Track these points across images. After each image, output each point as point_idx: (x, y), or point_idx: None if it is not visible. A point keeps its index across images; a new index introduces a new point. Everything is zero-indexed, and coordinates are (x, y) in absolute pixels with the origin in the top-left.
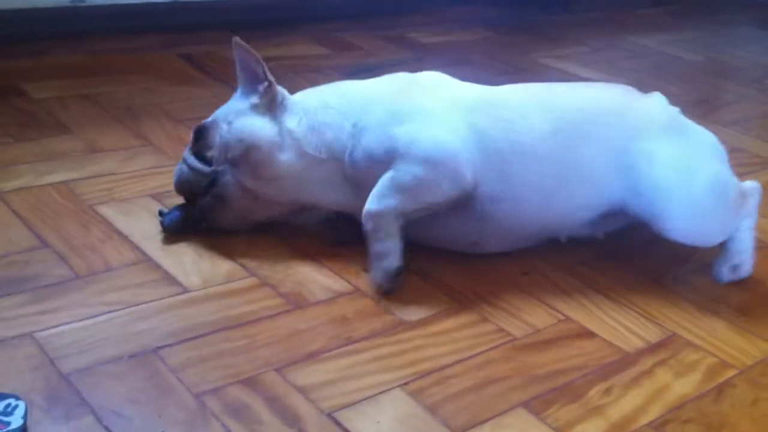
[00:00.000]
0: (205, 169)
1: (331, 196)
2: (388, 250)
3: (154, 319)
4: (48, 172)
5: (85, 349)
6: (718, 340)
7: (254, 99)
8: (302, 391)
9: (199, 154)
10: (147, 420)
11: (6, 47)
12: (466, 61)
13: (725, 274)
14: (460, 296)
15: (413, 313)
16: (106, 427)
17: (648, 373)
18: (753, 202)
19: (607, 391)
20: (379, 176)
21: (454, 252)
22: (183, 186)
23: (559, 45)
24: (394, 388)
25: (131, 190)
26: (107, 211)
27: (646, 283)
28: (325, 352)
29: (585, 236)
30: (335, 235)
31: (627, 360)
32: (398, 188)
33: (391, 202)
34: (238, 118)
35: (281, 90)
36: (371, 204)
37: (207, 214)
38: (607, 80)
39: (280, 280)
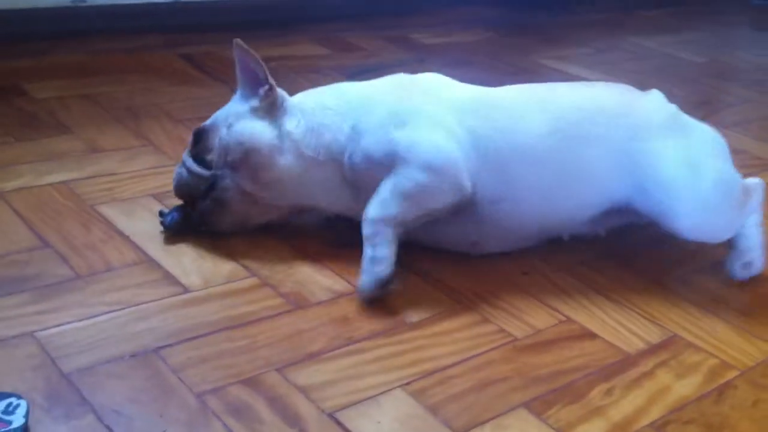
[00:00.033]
0: (205, 172)
1: (329, 199)
2: (383, 257)
3: (155, 319)
4: (48, 172)
5: (86, 349)
6: (719, 341)
7: (254, 102)
8: (303, 391)
9: (198, 158)
10: (148, 419)
11: (7, 47)
12: (468, 62)
13: (738, 271)
14: (460, 297)
15: (414, 314)
16: (107, 427)
17: (649, 374)
18: (757, 199)
19: (608, 392)
20: (379, 179)
21: (455, 252)
22: (182, 189)
23: (561, 46)
24: (395, 388)
25: (132, 190)
26: (108, 211)
27: (647, 284)
28: (326, 353)
29: (586, 234)
30: (335, 235)
31: (628, 361)
32: (400, 195)
33: (393, 209)
34: (238, 121)
35: (281, 92)
36: (372, 210)
37: (206, 217)
38: (608, 81)
39: (281, 280)
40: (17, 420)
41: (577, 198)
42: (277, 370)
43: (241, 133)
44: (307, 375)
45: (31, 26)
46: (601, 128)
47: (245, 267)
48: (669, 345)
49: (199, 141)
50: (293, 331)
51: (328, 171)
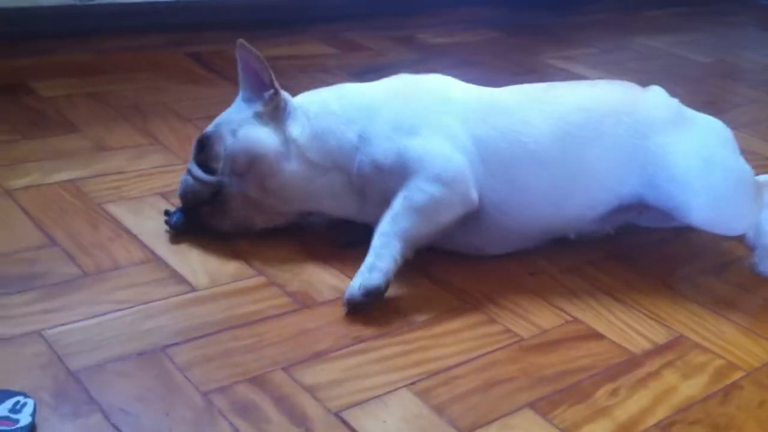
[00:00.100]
0: (211, 179)
1: (335, 205)
2: (382, 269)
3: (162, 317)
4: (56, 170)
5: (93, 347)
6: (726, 342)
7: (258, 107)
8: (309, 390)
9: (203, 165)
10: (154, 418)
11: (15, 45)
12: (474, 62)
13: (766, 268)
14: (466, 297)
15: (420, 314)
16: (113, 425)
17: (655, 374)
18: None
19: (614, 392)
20: (387, 187)
21: (460, 253)
22: (188, 196)
23: (567, 46)
24: (400, 388)
25: (139, 188)
26: (115, 209)
27: (653, 285)
28: (333, 352)
29: (595, 232)
30: (342, 235)
31: (634, 361)
32: (412, 209)
33: (405, 223)
34: (242, 127)
35: (284, 95)
36: (384, 224)
37: (209, 221)
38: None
39: (288, 279)
40: (24, 418)
41: (584, 198)
42: (284, 369)
43: (246, 140)
44: (313, 374)
45: (38, 25)
46: (606, 127)
47: (252, 266)
48: (675, 345)
49: (204, 148)
50: (300, 331)
51: (334, 177)
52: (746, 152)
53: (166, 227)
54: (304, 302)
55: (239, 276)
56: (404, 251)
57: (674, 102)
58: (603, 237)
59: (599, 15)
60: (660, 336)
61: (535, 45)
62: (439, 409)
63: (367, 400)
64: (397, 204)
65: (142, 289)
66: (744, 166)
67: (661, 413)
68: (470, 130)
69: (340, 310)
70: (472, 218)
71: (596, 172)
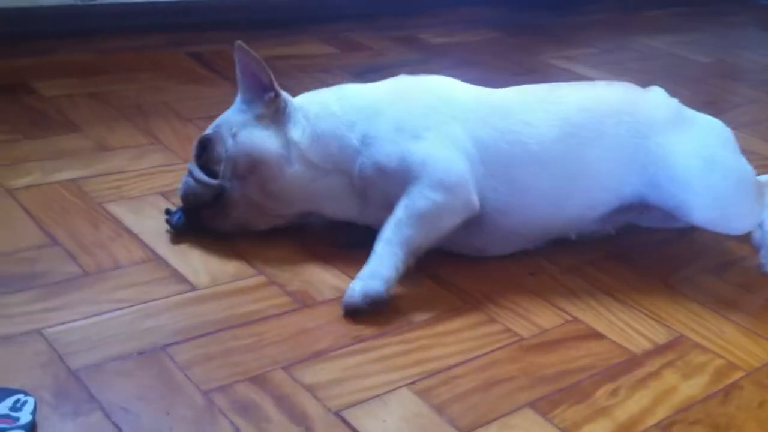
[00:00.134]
0: (213, 182)
1: (337, 207)
2: (383, 276)
3: (163, 316)
4: (57, 170)
5: (93, 346)
6: (726, 342)
7: (258, 109)
8: (309, 389)
9: (204, 167)
10: (155, 417)
11: (17, 45)
12: (475, 62)
13: None
14: (467, 296)
15: (420, 313)
16: (114, 424)
17: (655, 374)
18: None
19: (614, 392)
20: (389, 190)
21: (461, 254)
22: (189, 198)
23: (568, 46)
24: (400, 387)
25: (140, 188)
26: (116, 208)
27: (653, 285)
28: (333, 351)
29: (596, 232)
30: (343, 235)
31: (634, 361)
32: (415, 215)
33: (408, 230)
34: (243, 130)
35: (284, 96)
36: (388, 231)
37: (210, 223)
38: (613, 81)
39: (288, 278)
40: (24, 417)
41: (586, 199)
42: (284, 368)
43: (247, 143)
44: (313, 373)
45: (40, 25)
46: (607, 127)
47: (252, 265)
48: (675, 345)
49: (205, 150)
50: (300, 330)
51: (335, 180)
52: (746, 152)
53: (167, 227)
54: (304, 302)
55: (239, 275)
56: (406, 259)
57: (674, 102)
58: (603, 237)
59: (599, 15)
60: (660, 336)
61: (536, 45)
62: (439, 409)
63: (367, 400)
64: (400, 211)
65: (143, 288)
66: (745, 166)
67: (661, 413)
68: (471, 132)
69: (340, 310)
70: (473, 220)
71: (597, 172)
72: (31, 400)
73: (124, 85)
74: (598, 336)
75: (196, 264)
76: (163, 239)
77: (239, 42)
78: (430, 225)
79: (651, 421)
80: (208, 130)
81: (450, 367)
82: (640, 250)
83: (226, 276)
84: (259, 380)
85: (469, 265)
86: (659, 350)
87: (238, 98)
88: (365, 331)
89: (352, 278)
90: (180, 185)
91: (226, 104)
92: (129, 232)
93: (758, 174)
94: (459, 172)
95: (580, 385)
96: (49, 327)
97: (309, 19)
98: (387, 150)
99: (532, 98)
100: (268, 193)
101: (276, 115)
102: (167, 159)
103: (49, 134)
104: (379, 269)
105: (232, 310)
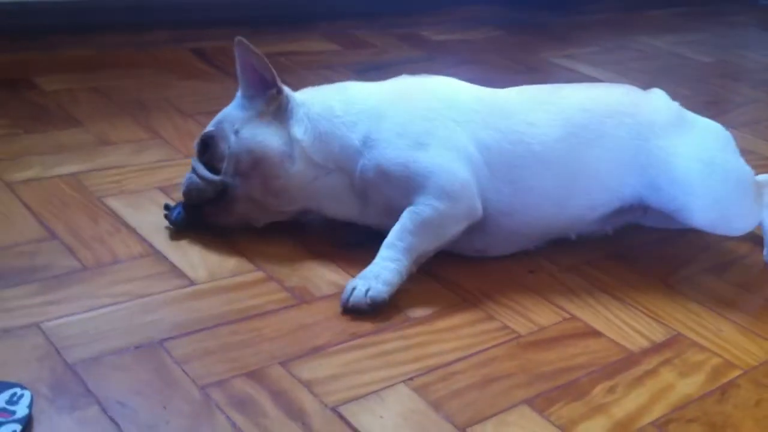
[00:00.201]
0: (216, 178)
1: (337, 206)
2: (387, 281)
3: (161, 311)
4: (57, 164)
5: (91, 340)
6: (723, 341)
7: (260, 105)
8: (307, 385)
9: (207, 164)
10: (152, 411)
11: (18, 40)
12: (478, 60)
13: None
14: (465, 293)
15: (418, 310)
16: (111, 418)
17: (652, 372)
18: None
19: (611, 390)
20: (389, 194)
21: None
22: (192, 194)
23: (570, 45)
24: (398, 383)
25: (140, 182)
26: (115, 203)
27: (651, 283)
28: (330, 347)
29: (594, 233)
30: (342, 231)
31: (632, 359)
32: (420, 224)
33: (413, 239)
34: (245, 126)
35: (287, 91)
36: (393, 238)
37: (212, 219)
38: (617, 81)
39: (287, 274)
40: (21, 410)
41: (587, 199)
42: (281, 363)
43: (250, 140)
44: (310, 369)
45: (41, 20)
46: (608, 128)
47: (251, 261)
48: (673, 344)
49: (208, 147)
50: (298, 326)
51: (336, 179)
52: (746, 152)
53: (166, 222)
54: (302, 297)
55: (238, 271)
56: (410, 265)
57: (675, 105)
58: (602, 237)
59: (601, 14)
60: (658, 334)
61: (537, 43)
62: (436, 405)
63: (364, 396)
64: (405, 218)
65: (141, 282)
66: (744, 168)
67: (658, 411)
68: (473, 134)
69: (338, 306)
70: (477, 225)
71: (598, 173)
72: (27, 394)
73: (125, 80)
74: (595, 334)
75: (195, 259)
76: (162, 234)
77: (239, 38)
78: (434, 232)
79: (648, 418)
80: (210, 127)
81: (448, 364)
82: (639, 249)
83: (224, 271)
84: (256, 375)
85: (469, 262)
86: (657, 348)
87: (239, 94)
88: (363, 327)
89: (351, 275)
90: (182, 181)
91: (228, 100)
92: (128, 226)
93: (758, 174)
94: (462, 180)
95: (577, 383)
96: (47, 321)
97: (312, 16)
98: (389, 155)
99: (533, 98)
100: (270, 190)
101: (278, 112)
102: (167, 154)
103: (50, 129)
104: (383, 273)
105: (230, 305)
